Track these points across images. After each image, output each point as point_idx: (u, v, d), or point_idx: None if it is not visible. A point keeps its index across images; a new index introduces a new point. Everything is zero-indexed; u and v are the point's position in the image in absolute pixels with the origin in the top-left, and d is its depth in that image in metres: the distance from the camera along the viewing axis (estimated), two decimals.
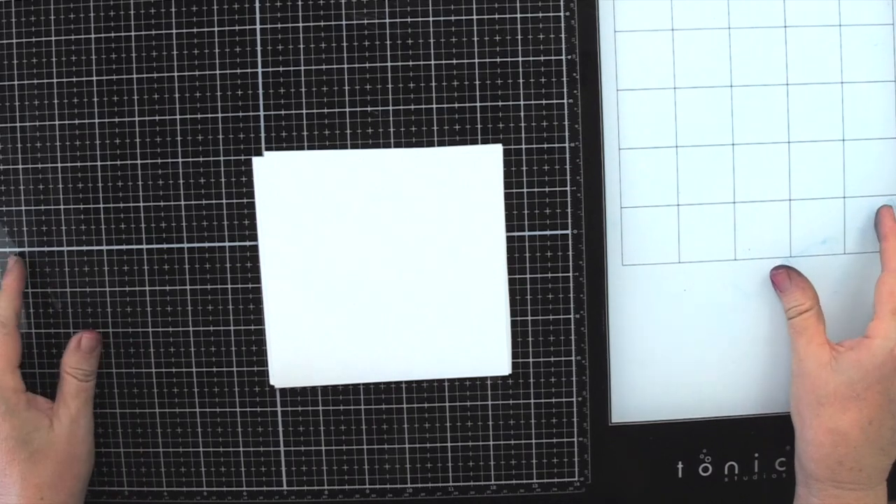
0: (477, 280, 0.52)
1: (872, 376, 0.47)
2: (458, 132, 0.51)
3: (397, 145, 0.51)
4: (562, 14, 0.51)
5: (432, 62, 0.51)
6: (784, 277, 0.51)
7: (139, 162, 0.52)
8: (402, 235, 0.51)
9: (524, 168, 0.51)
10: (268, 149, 0.51)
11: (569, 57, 0.51)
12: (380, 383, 0.53)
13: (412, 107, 0.51)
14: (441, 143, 0.51)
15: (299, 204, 0.51)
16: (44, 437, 0.49)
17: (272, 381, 0.52)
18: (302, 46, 0.51)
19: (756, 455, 0.53)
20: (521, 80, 0.51)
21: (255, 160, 0.51)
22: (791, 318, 0.50)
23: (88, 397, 0.51)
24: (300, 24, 0.51)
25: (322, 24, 0.51)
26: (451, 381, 0.53)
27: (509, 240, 0.52)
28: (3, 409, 0.48)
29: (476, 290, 0.52)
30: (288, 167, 0.51)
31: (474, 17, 0.51)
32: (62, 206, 0.52)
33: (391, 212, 0.51)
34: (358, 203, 0.51)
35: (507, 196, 0.51)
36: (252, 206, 0.52)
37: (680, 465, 0.54)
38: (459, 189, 0.51)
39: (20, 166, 0.52)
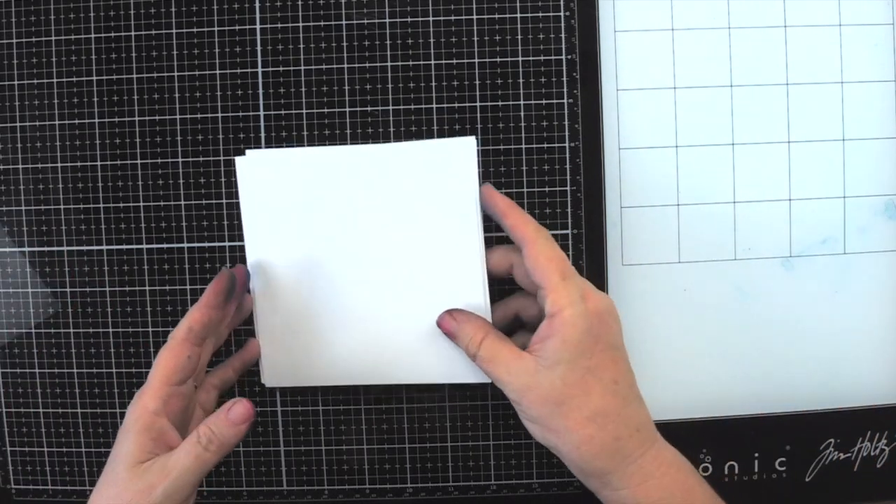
0: (477, 280, 0.51)
1: (586, 343, 0.43)
2: (458, 132, 0.51)
3: None
4: (562, 14, 0.51)
5: (432, 62, 0.51)
6: (450, 322, 0.48)
7: (139, 162, 0.52)
8: (401, 235, 0.51)
9: (524, 168, 0.51)
10: (268, 148, 0.51)
11: (569, 57, 0.51)
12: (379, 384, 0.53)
13: (412, 107, 0.51)
14: None
15: (282, 202, 0.50)
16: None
17: (263, 381, 0.52)
18: (302, 46, 0.51)
19: (756, 455, 0.53)
20: (521, 80, 0.51)
21: (238, 160, 0.50)
22: (474, 353, 0.46)
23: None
24: (300, 24, 0.51)
25: (322, 24, 0.51)
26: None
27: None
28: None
29: (476, 290, 0.52)
30: (268, 165, 0.50)
31: (474, 17, 0.51)
32: (62, 206, 0.52)
33: (383, 210, 0.49)
34: (346, 200, 0.50)
35: (507, 196, 0.51)
36: None
37: None
38: (441, 184, 0.49)
39: (20, 166, 0.52)
